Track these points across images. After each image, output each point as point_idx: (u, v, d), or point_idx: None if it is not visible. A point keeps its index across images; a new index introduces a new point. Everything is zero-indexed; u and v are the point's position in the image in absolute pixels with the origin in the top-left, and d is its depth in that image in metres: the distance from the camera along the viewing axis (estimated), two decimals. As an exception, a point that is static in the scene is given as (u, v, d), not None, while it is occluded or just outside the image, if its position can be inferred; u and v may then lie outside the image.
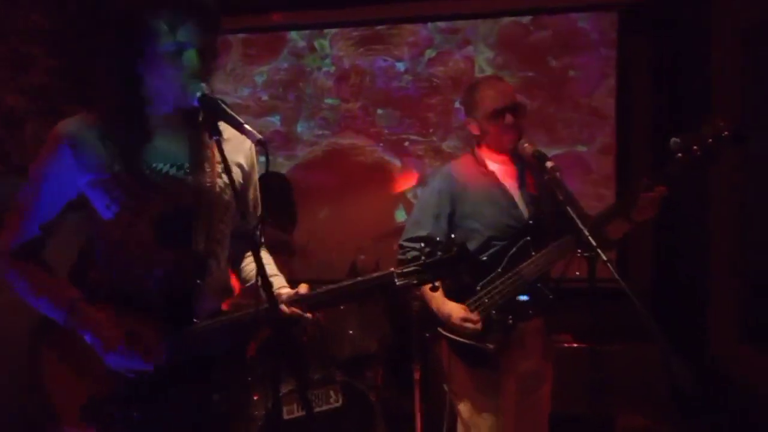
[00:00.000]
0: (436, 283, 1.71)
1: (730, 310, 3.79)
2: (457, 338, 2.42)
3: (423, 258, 1.65)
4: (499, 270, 2.45)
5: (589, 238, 2.25)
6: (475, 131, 2.60)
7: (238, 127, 1.50)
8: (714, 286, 3.87)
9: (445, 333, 2.45)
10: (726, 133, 2.24)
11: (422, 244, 1.70)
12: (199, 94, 1.53)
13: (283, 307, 1.65)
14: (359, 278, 1.70)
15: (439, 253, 1.65)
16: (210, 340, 1.67)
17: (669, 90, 4.23)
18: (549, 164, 2.45)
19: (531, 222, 2.54)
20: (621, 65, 4.32)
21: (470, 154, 2.66)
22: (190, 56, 1.55)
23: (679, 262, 4.18)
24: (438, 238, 1.70)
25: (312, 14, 4.59)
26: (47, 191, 1.66)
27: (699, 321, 3.92)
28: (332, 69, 4.63)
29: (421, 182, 4.47)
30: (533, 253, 2.46)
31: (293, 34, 4.65)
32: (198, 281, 1.67)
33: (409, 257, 1.72)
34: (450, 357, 2.50)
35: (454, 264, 1.65)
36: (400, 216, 4.55)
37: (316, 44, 4.63)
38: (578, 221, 2.28)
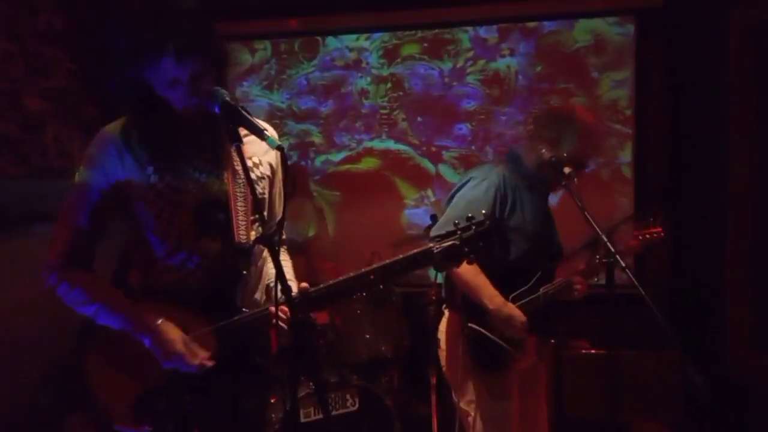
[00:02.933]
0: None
1: (744, 318, 3.77)
2: (493, 337, 2.44)
3: (459, 233, 1.74)
4: (529, 286, 2.50)
5: (608, 244, 2.26)
6: (543, 155, 2.51)
7: (259, 133, 1.53)
8: (729, 294, 3.85)
9: (478, 328, 2.45)
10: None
11: (457, 221, 1.78)
12: (219, 101, 1.56)
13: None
14: (400, 256, 1.75)
15: (474, 227, 1.74)
16: (255, 330, 1.72)
17: (684, 95, 4.22)
18: (566, 170, 2.46)
19: (558, 248, 2.62)
20: (639, 70, 4.31)
21: (518, 165, 2.59)
22: (199, 79, 1.59)
23: (694, 270, 4.16)
24: (470, 215, 1.77)
25: (353, 18, 4.59)
26: (95, 189, 1.70)
27: (714, 328, 3.90)
28: (372, 75, 4.62)
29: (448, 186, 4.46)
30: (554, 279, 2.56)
31: (334, 40, 4.66)
32: (244, 272, 1.74)
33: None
34: (465, 366, 2.51)
35: (489, 237, 1.74)
36: (417, 220, 4.56)
37: (357, 50, 4.63)
38: (597, 227, 2.29)
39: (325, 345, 3.31)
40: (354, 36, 4.64)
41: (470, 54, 4.51)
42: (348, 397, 3.10)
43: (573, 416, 3.04)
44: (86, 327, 1.71)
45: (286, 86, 4.72)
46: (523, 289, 2.49)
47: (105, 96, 1.73)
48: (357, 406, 3.10)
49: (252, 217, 1.76)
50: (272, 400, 3.01)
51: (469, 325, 2.47)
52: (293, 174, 3.88)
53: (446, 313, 2.68)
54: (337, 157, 4.70)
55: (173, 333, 1.63)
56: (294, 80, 4.71)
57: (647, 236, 2.77)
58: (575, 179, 2.46)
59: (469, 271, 2.37)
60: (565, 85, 4.39)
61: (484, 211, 1.77)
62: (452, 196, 2.56)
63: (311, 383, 2.88)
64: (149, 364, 1.64)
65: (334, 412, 3.04)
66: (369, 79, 4.63)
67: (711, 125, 3.94)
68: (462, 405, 2.56)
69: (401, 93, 4.60)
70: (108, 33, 1.61)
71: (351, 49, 4.64)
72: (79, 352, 1.73)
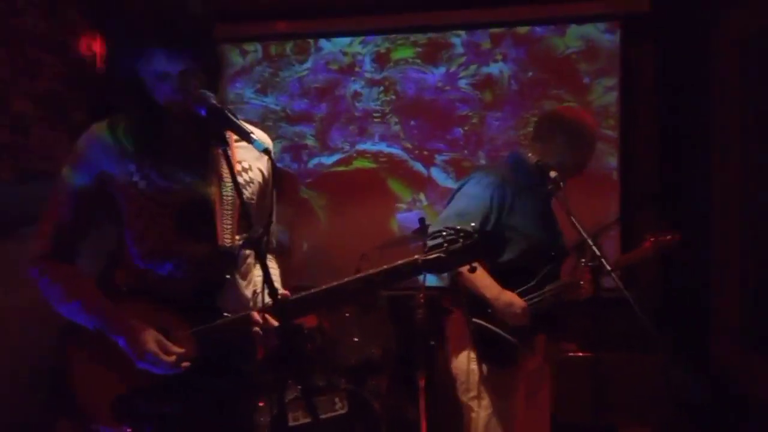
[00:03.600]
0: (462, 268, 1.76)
1: (733, 319, 3.79)
2: (499, 331, 2.47)
3: (446, 245, 1.71)
4: (533, 283, 2.52)
5: (594, 248, 2.28)
6: (529, 159, 2.60)
7: (245, 136, 1.54)
8: (718, 296, 3.88)
9: (483, 323, 2.48)
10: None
11: (444, 232, 1.75)
12: (206, 104, 1.56)
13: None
14: (385, 266, 1.72)
15: (461, 239, 1.71)
16: (236, 333, 1.71)
17: (671, 100, 4.24)
18: (552, 174, 2.49)
19: (561, 248, 2.63)
20: (624, 75, 4.33)
21: (519, 167, 2.63)
22: (189, 77, 1.61)
23: (684, 272, 4.18)
24: (458, 227, 1.75)
25: (346, 21, 4.61)
26: (78, 184, 1.70)
27: (702, 330, 3.92)
28: (365, 79, 4.62)
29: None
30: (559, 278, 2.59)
31: (327, 44, 4.66)
32: (227, 276, 1.72)
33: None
34: (470, 362, 2.54)
35: (475, 250, 1.72)
36: (409, 223, 4.55)
37: (350, 54, 4.63)
38: (583, 231, 2.31)
39: (312, 349, 3.31)
40: (347, 39, 4.64)
41: (463, 59, 4.51)
42: (336, 400, 3.10)
43: (560, 419, 3.03)
44: (70, 324, 1.70)
45: (280, 89, 4.71)
46: (526, 287, 2.51)
47: (100, 88, 1.74)
48: (345, 409, 3.10)
49: (238, 222, 1.74)
50: (260, 404, 3.01)
51: (474, 320, 2.50)
52: (280, 177, 3.86)
53: (452, 310, 2.70)
54: (329, 159, 4.69)
55: (146, 333, 1.62)
56: (287, 83, 4.70)
57: (661, 239, 2.74)
58: (561, 183, 2.49)
59: None
60: (557, 90, 4.39)
61: (473, 224, 1.77)
62: (454, 194, 2.61)
63: (299, 387, 2.88)
64: (132, 364, 1.63)
65: (322, 416, 3.04)
66: (362, 82, 4.63)
67: (699, 129, 3.97)
68: (466, 401, 2.58)
69: (394, 97, 4.60)
70: (110, 19, 1.64)
71: (344, 53, 4.64)
72: (60, 350, 1.72)
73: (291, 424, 2.95)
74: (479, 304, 2.47)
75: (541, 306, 2.51)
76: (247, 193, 1.76)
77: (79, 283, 1.72)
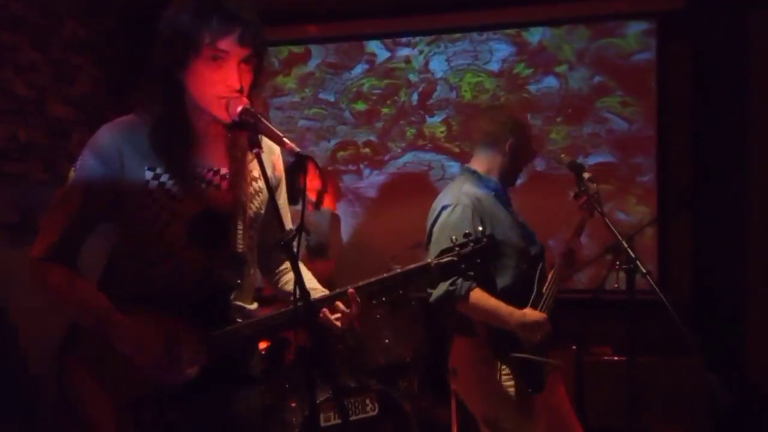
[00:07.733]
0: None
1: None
2: (536, 357, 2.36)
3: (457, 249, 1.76)
4: (535, 294, 2.41)
5: (629, 250, 2.25)
6: (505, 151, 2.52)
7: (279, 141, 1.51)
8: (753, 300, 3.80)
9: (524, 356, 2.36)
10: None
11: (454, 237, 1.79)
12: (240, 108, 1.54)
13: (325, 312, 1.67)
14: (399, 270, 1.75)
15: (472, 244, 1.77)
16: (247, 340, 1.71)
17: (708, 98, 4.18)
18: (586, 175, 2.47)
19: (541, 244, 2.54)
20: (660, 73, 4.28)
21: (478, 179, 2.55)
22: (231, 69, 1.57)
23: (718, 275, 4.11)
24: (467, 231, 1.79)
25: (402, 21, 4.61)
26: (90, 184, 1.64)
27: (738, 335, 3.85)
28: (424, 81, 4.62)
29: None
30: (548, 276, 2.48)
31: (384, 46, 4.67)
32: (238, 281, 1.71)
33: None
34: (497, 394, 2.41)
35: (485, 254, 1.78)
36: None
37: (408, 57, 4.64)
38: (617, 233, 2.28)
39: (344, 350, 3.32)
40: (404, 41, 4.64)
41: (522, 63, 4.48)
42: (367, 402, 3.10)
43: (594, 422, 3.02)
44: (66, 337, 1.67)
45: (337, 92, 4.73)
46: (532, 299, 2.40)
47: (135, 93, 1.69)
48: (376, 411, 3.11)
49: (249, 227, 1.73)
50: (292, 404, 3.03)
51: (513, 355, 2.36)
52: (324, 178, 3.84)
53: (458, 340, 2.56)
54: (385, 162, 4.71)
55: (152, 342, 1.58)
56: (344, 87, 4.72)
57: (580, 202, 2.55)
58: (595, 184, 2.46)
59: (481, 298, 2.32)
60: (624, 97, 4.33)
61: (480, 228, 1.77)
62: (430, 232, 2.49)
63: (330, 388, 2.89)
64: (134, 373, 1.59)
65: (353, 417, 3.05)
66: (420, 85, 4.63)
67: (737, 128, 3.90)
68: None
69: (452, 100, 4.59)
70: (168, 10, 1.59)
71: (402, 56, 4.65)
72: (61, 361, 1.67)
73: (323, 424, 2.96)
74: (506, 336, 2.35)
75: (550, 310, 2.39)
76: (256, 203, 1.75)
77: (80, 287, 1.65)
